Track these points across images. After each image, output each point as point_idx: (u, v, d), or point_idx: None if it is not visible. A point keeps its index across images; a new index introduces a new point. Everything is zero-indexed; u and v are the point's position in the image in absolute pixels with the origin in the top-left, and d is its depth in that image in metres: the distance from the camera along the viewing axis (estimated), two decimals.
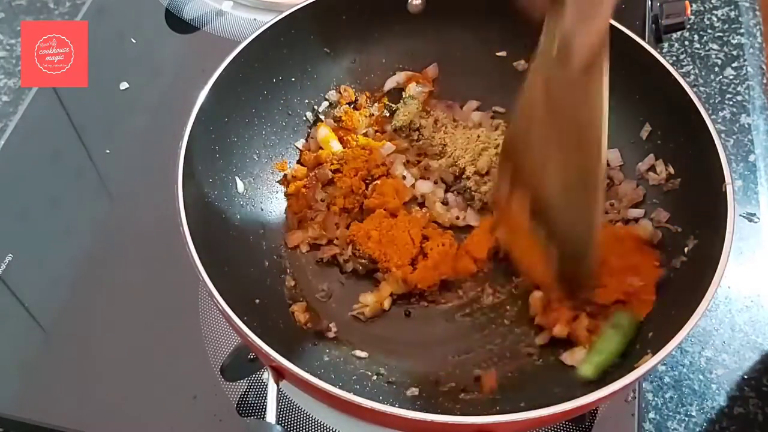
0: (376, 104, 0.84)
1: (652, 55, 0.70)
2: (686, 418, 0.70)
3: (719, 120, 0.90)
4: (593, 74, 0.55)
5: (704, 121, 0.65)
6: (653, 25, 0.93)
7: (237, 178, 0.74)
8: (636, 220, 0.73)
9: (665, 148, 0.72)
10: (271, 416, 0.57)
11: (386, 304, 0.72)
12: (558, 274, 0.64)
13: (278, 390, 0.58)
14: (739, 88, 0.93)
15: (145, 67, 0.97)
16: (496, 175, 0.69)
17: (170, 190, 0.63)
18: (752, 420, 0.69)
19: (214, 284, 0.58)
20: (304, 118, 0.82)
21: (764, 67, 0.96)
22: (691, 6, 0.99)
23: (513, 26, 0.80)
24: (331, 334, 0.70)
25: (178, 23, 0.99)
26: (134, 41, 0.99)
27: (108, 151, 0.88)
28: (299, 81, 0.81)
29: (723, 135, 0.88)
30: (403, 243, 0.72)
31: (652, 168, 0.73)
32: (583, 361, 0.64)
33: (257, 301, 0.67)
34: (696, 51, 0.98)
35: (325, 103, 0.83)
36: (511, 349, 0.69)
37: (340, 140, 0.81)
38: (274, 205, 0.77)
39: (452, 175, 0.79)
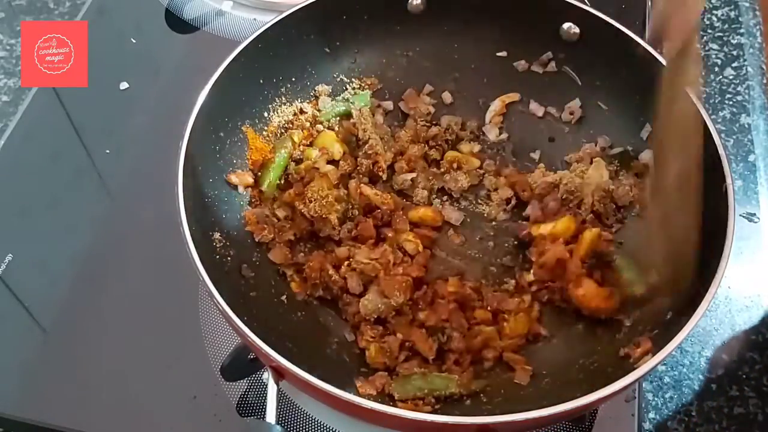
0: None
1: (653, 55, 0.70)
2: (686, 418, 0.69)
3: (719, 120, 0.90)
4: (686, 60, 0.61)
5: (704, 121, 0.65)
6: None
7: (237, 179, 0.74)
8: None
9: None
10: (271, 416, 0.57)
11: None
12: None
13: (278, 390, 0.58)
14: (739, 88, 0.93)
15: (145, 67, 0.96)
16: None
17: (170, 190, 0.63)
18: (752, 420, 0.69)
19: (214, 284, 0.58)
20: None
21: (764, 67, 0.96)
22: None
23: (513, 26, 0.80)
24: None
25: (178, 23, 0.99)
26: (134, 41, 0.99)
27: (108, 151, 0.88)
28: (299, 81, 0.81)
29: (723, 135, 0.88)
30: None
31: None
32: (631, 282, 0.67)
33: (257, 301, 0.67)
34: None
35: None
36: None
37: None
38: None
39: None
